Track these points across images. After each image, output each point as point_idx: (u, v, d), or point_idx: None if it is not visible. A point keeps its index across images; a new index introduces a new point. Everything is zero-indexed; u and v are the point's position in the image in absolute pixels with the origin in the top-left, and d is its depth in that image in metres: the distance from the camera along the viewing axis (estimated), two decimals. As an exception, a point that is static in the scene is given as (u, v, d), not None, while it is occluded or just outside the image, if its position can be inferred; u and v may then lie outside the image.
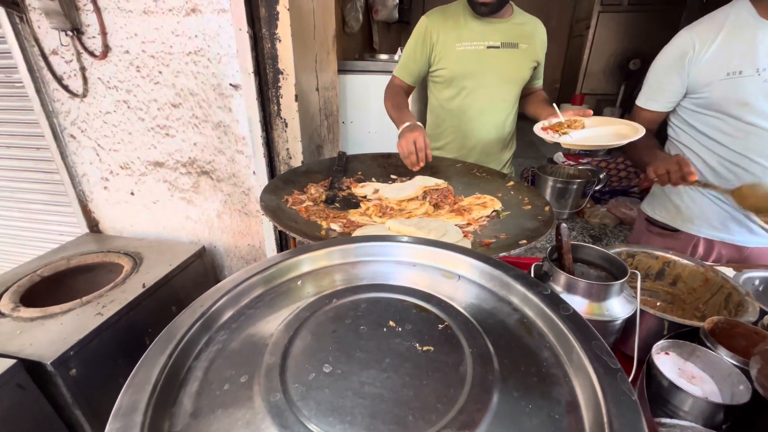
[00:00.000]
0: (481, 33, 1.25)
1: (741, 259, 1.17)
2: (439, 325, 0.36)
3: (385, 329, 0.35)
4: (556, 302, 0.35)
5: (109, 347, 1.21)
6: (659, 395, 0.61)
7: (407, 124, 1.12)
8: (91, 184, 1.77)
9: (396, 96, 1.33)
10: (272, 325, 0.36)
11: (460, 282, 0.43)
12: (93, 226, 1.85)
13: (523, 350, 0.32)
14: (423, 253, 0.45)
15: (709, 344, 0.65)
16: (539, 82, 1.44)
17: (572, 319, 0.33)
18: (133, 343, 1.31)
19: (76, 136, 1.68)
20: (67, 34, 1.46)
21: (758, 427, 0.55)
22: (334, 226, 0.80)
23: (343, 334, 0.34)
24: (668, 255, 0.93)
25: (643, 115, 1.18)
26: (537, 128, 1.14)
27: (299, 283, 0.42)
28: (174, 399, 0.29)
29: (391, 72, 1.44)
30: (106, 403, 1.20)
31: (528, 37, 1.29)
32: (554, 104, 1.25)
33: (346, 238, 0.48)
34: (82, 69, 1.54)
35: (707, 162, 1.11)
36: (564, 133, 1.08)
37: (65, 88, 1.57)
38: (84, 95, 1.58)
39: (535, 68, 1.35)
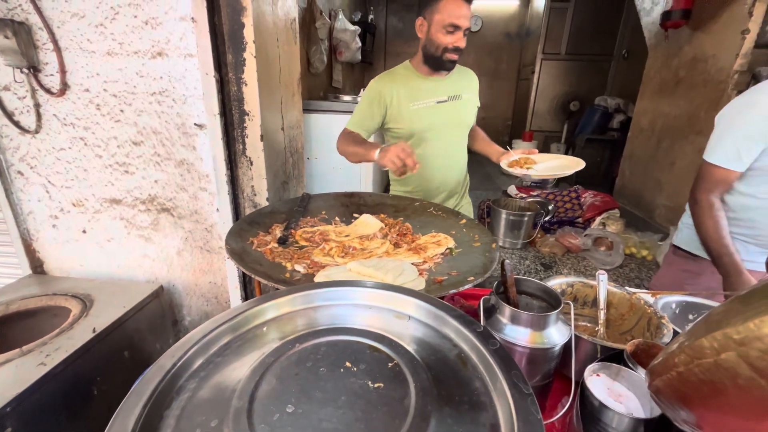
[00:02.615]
0: (430, 91, 1.40)
1: None
2: (389, 364, 0.41)
3: (342, 370, 0.40)
4: (486, 338, 0.42)
5: (53, 401, 1.13)
6: (592, 414, 0.68)
7: (381, 147, 1.20)
8: (38, 222, 1.68)
9: (354, 138, 1.39)
10: (239, 371, 0.39)
11: (410, 322, 0.49)
12: (37, 266, 1.73)
13: (459, 381, 0.38)
14: (377, 296, 0.51)
15: (631, 365, 0.73)
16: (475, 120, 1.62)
17: (498, 352, 0.39)
18: (79, 395, 1.22)
19: (24, 173, 1.61)
20: (22, 71, 1.44)
21: (669, 436, 0.63)
22: (298, 267, 0.84)
23: (305, 377, 0.39)
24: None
25: (721, 174, 1.16)
26: (504, 165, 1.36)
27: (264, 329, 0.46)
28: (147, 447, 0.31)
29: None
30: (47, 463, 1.10)
31: (466, 88, 1.48)
32: (508, 147, 1.45)
33: (307, 284, 0.53)
34: (37, 105, 1.51)
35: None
36: (529, 168, 1.29)
37: (16, 123, 1.52)
38: (37, 131, 1.54)
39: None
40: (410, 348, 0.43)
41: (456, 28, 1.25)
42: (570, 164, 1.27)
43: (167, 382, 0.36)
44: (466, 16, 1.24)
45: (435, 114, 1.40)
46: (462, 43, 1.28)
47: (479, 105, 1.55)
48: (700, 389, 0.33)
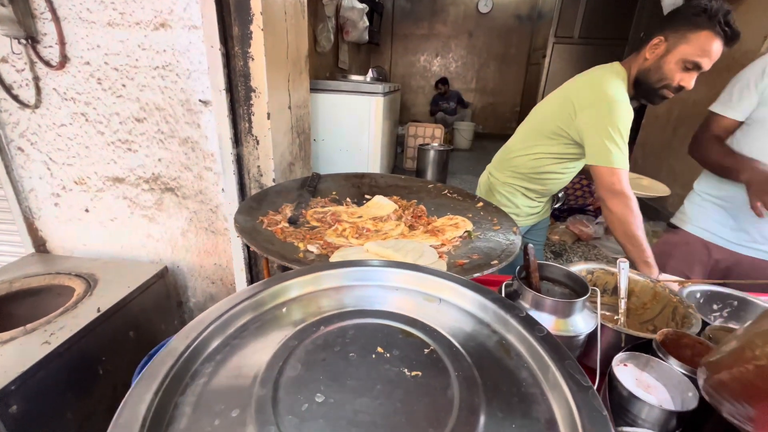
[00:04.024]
0: None
1: (733, 263, 1.30)
2: (425, 350, 0.37)
3: (373, 355, 0.36)
4: (531, 324, 0.38)
5: (57, 379, 1.11)
6: (620, 405, 0.65)
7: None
8: (40, 200, 1.64)
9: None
10: (260, 355, 0.35)
11: (441, 305, 0.45)
12: (39, 245, 1.71)
13: (503, 371, 0.34)
14: (405, 277, 0.47)
15: (661, 355, 0.70)
16: None
17: (546, 339, 0.35)
18: (84, 374, 1.21)
19: (25, 149, 1.56)
20: (20, 42, 1.38)
21: (706, 431, 0.60)
22: (311, 247, 0.80)
23: (333, 362, 0.35)
24: (622, 271, 1.00)
25: (718, 121, 1.25)
26: None
27: (284, 310, 0.42)
28: (161, 439, 0.28)
29: (365, 92, 1.43)
30: (53, 442, 1.09)
31: None
32: None
33: (329, 263, 0.49)
34: (36, 79, 1.45)
35: None
36: None
37: (15, 98, 1.47)
38: (36, 106, 1.49)
39: None
40: (446, 333, 0.39)
41: (696, 67, 1.07)
42: (651, 186, 1.42)
43: (180, 366, 0.32)
44: (714, 59, 1.06)
45: None
46: (691, 86, 1.10)
47: None
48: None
